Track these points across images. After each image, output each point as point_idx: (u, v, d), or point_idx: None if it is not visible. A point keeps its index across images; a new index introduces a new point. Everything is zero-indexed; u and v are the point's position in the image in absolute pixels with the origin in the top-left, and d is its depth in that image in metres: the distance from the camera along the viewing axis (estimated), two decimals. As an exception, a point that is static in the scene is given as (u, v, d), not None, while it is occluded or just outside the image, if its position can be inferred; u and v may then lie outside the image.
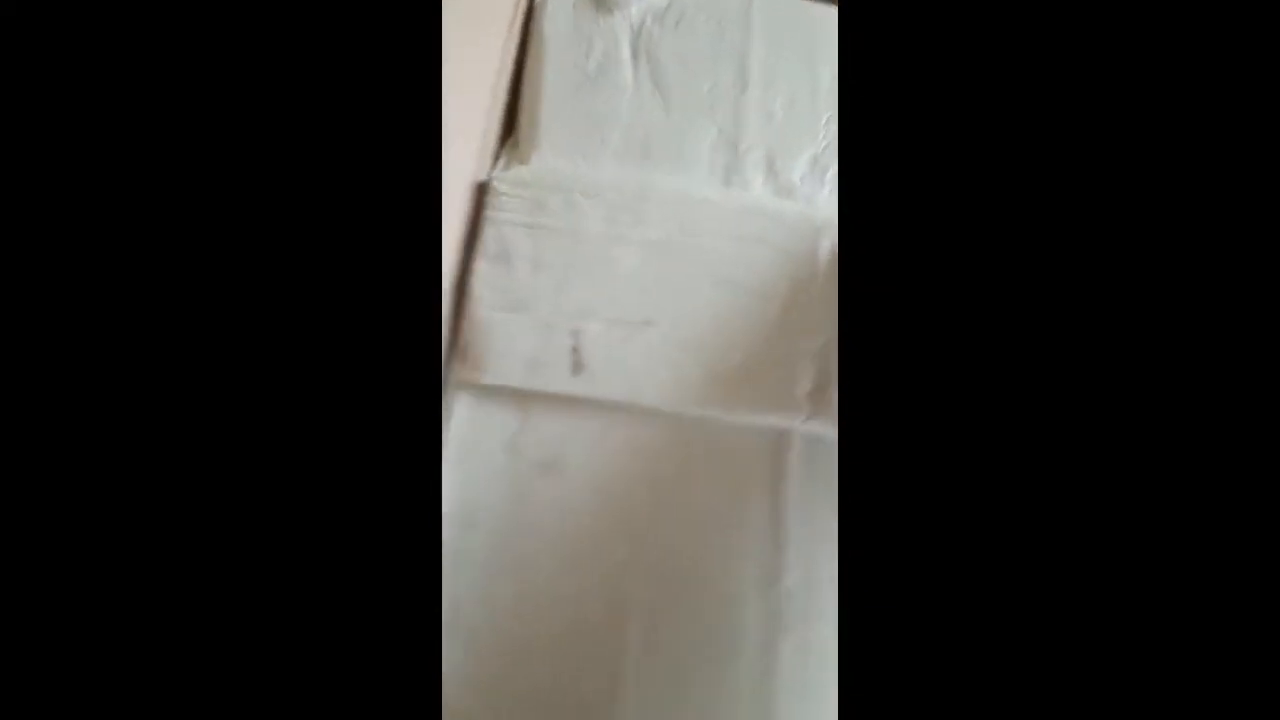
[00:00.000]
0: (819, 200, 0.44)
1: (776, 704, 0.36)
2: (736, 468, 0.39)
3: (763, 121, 0.45)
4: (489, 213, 0.40)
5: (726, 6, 0.47)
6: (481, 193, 0.41)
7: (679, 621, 0.37)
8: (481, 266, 0.39)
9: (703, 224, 0.41)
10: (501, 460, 0.38)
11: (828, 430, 0.38)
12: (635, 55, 0.45)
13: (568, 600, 0.36)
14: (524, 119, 0.44)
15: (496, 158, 0.43)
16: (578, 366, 0.38)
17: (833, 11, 0.50)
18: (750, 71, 0.46)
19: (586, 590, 0.37)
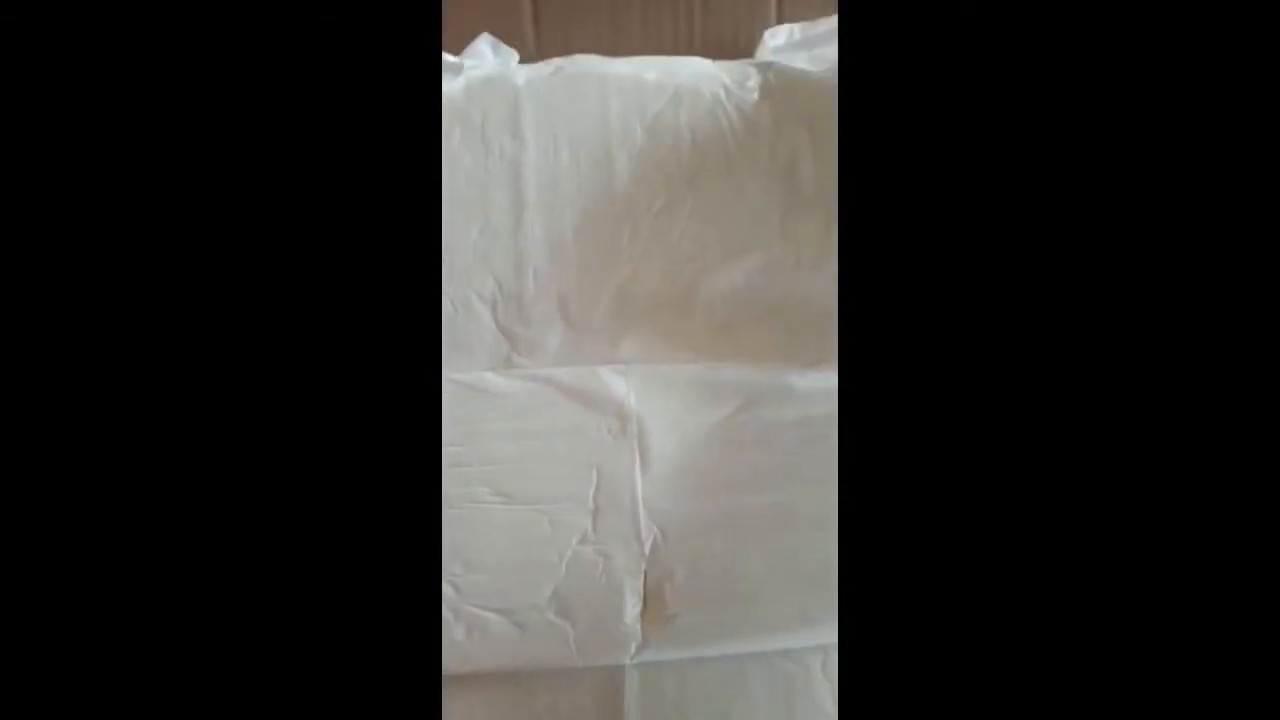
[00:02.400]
0: (630, 346, 0.38)
1: None
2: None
3: (549, 256, 0.38)
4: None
5: (491, 112, 0.39)
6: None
7: None
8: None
9: (486, 428, 0.35)
10: None
11: (668, 651, 0.34)
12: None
13: None
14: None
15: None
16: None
17: (621, 66, 0.42)
18: (527, 192, 0.39)
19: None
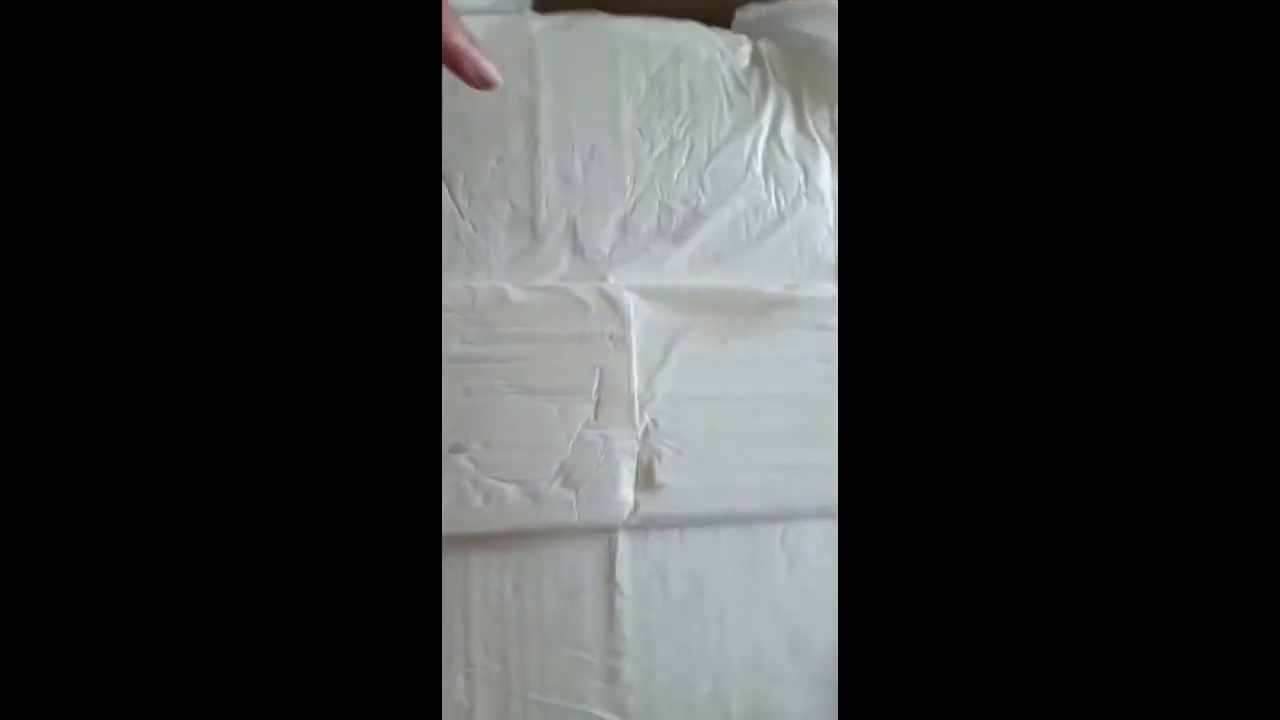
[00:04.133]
0: (630, 268, 0.44)
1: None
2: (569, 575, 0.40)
3: (561, 187, 0.43)
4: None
5: (504, 54, 0.44)
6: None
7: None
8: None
9: (505, 331, 0.41)
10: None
11: (656, 515, 0.41)
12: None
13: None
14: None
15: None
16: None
17: (627, 24, 0.47)
18: (541, 128, 0.44)
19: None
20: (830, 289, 0.43)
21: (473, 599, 0.39)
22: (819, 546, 0.42)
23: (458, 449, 0.39)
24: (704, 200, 0.44)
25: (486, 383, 0.40)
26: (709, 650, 0.41)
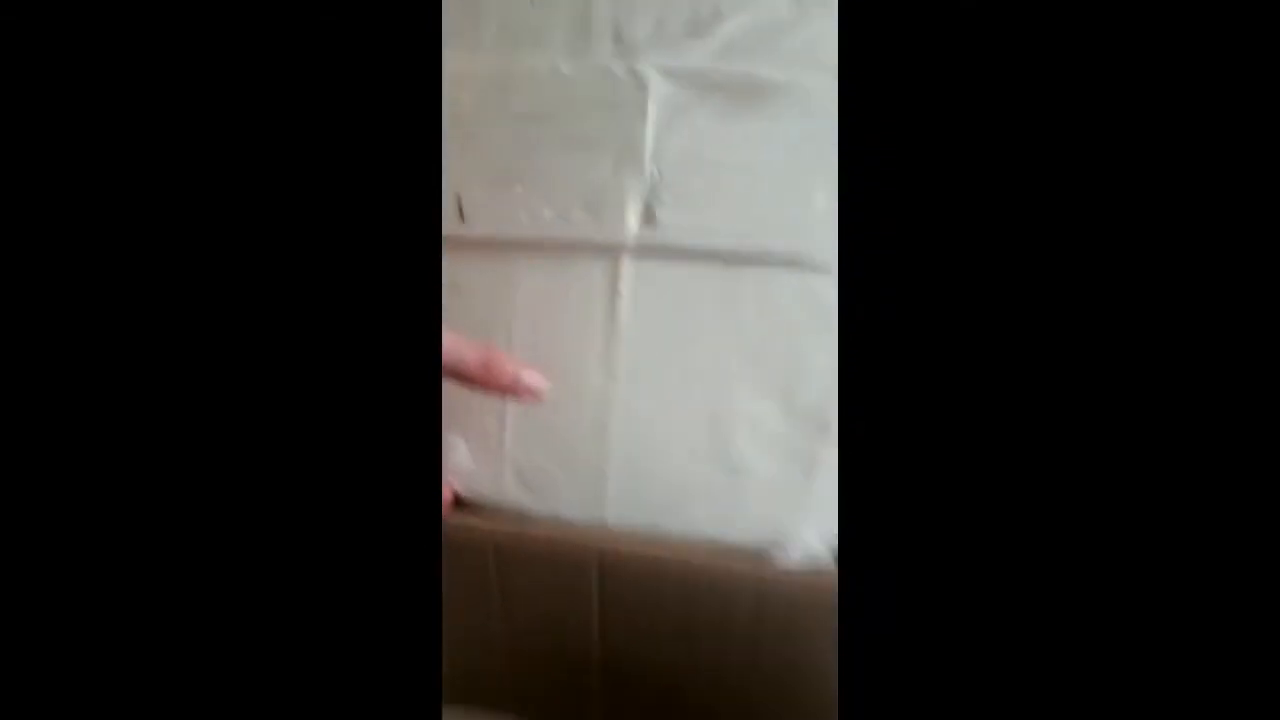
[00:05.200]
0: (655, 57, 0.53)
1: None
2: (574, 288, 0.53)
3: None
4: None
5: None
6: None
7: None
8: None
9: (558, 97, 0.52)
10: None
11: (653, 245, 0.52)
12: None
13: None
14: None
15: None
16: (461, 216, 0.53)
17: None
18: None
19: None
20: (823, 80, 0.51)
21: (517, 291, 0.53)
22: (791, 296, 0.51)
23: (508, 182, 0.52)
24: (725, 6, 0.53)
25: (531, 127, 0.53)
26: (684, 347, 0.52)
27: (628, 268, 0.52)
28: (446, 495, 0.53)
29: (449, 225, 0.56)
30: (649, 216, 0.51)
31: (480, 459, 0.56)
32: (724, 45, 0.54)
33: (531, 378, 0.46)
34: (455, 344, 0.45)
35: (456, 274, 0.55)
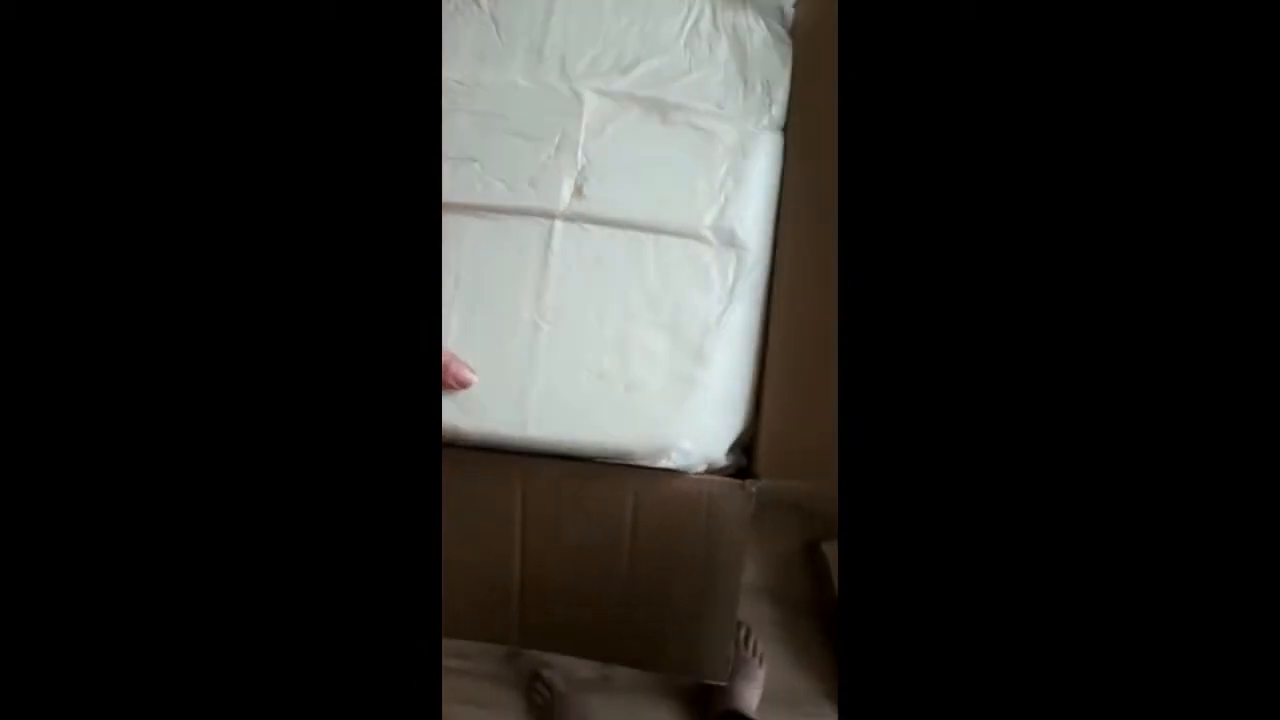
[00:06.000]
0: (590, 82, 0.71)
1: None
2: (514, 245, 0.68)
3: (559, 35, 0.72)
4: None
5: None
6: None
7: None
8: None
9: (513, 101, 0.69)
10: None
11: (583, 214, 0.67)
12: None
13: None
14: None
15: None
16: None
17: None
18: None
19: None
20: (709, 106, 0.69)
21: (464, 243, 0.67)
22: (680, 257, 0.67)
23: (469, 160, 0.67)
24: (642, 54, 0.71)
25: (491, 120, 0.68)
26: (598, 293, 0.67)
27: (559, 230, 0.68)
28: (465, 377, 0.62)
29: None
30: (578, 191, 0.67)
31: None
32: (640, 78, 0.72)
33: (467, 378, 0.57)
34: None
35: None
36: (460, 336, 0.66)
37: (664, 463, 0.65)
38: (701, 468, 0.67)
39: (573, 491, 0.71)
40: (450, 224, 0.68)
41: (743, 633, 1.08)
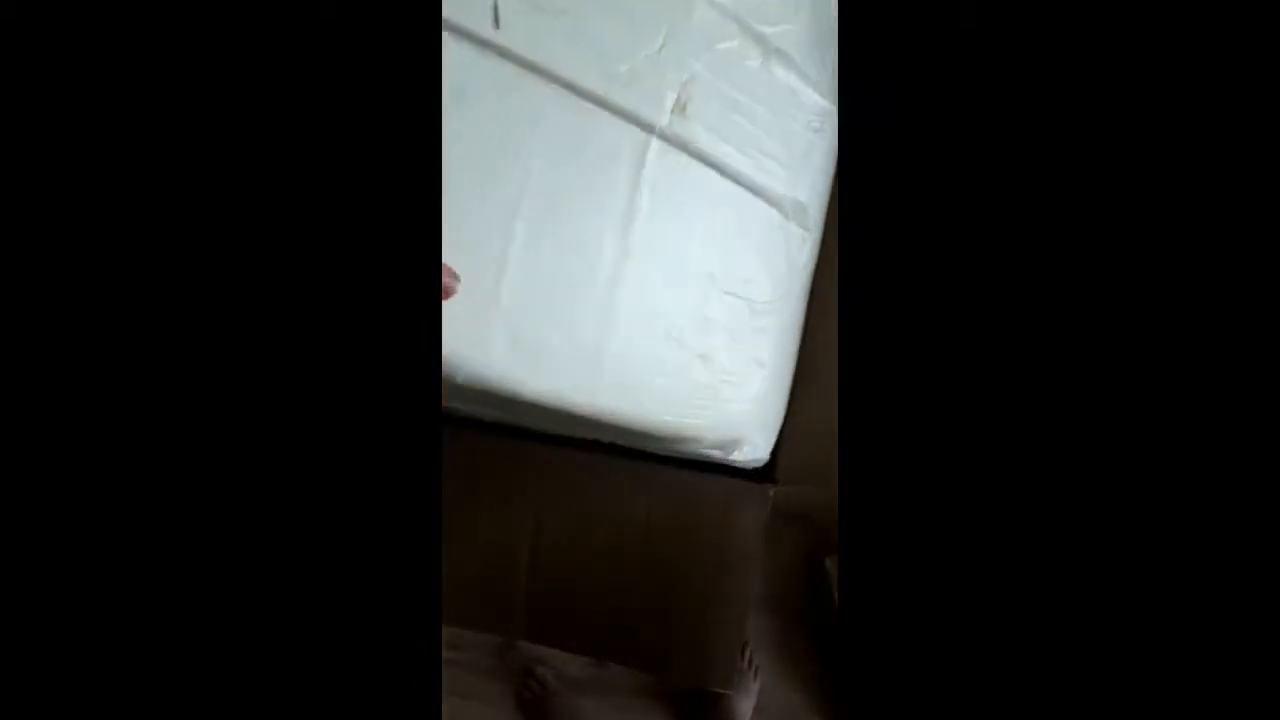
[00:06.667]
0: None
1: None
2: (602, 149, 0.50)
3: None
4: None
5: None
6: None
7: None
8: None
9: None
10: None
11: (685, 140, 0.53)
12: None
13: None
14: None
15: None
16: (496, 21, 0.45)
17: None
18: None
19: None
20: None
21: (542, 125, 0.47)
22: (760, 220, 0.58)
23: (559, 11, 0.47)
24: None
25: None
26: (685, 241, 0.54)
27: (654, 151, 0.52)
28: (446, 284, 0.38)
29: (475, 25, 0.45)
30: (681, 108, 0.53)
31: (465, 312, 0.44)
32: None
33: (448, 285, 0.38)
34: None
35: (468, 80, 0.44)
36: (525, 249, 0.46)
37: (734, 456, 0.55)
38: (756, 465, 0.59)
39: (588, 486, 0.55)
40: (520, 85, 0.46)
41: (737, 644, 0.99)
